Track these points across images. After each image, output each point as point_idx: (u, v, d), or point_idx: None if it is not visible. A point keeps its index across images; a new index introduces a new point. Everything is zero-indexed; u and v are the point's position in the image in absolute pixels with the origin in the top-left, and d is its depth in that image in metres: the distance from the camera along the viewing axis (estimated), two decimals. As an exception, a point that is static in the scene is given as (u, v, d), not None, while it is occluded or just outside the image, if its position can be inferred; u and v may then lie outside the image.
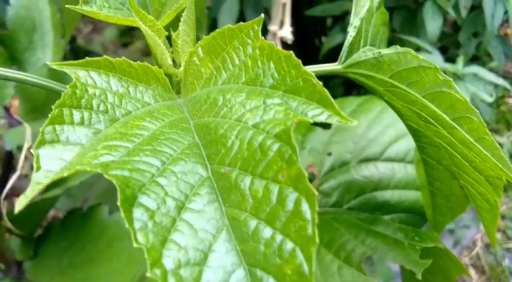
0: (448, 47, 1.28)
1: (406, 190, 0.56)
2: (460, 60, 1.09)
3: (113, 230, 0.56)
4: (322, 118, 0.21)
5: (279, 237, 0.18)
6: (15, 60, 0.68)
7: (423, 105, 0.30)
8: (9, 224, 0.52)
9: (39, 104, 0.70)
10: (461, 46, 1.21)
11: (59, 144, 0.21)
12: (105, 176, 0.19)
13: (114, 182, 0.19)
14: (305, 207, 0.18)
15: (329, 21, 1.28)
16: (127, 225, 0.18)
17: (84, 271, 0.55)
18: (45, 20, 0.68)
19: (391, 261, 0.44)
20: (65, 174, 0.19)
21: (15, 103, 0.74)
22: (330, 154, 0.58)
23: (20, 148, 0.63)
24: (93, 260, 0.55)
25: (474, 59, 1.24)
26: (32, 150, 0.19)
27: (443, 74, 0.26)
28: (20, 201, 0.18)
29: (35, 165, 0.19)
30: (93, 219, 0.57)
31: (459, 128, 0.28)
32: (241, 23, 0.25)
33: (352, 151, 0.57)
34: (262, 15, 0.24)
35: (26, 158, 0.63)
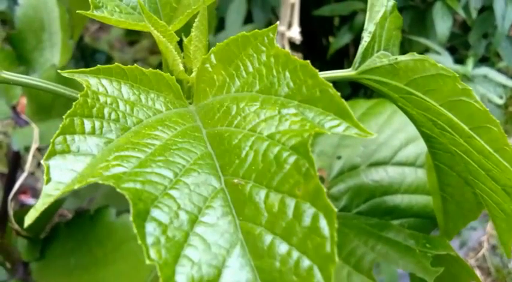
0: (457, 48, 1.27)
1: (416, 195, 0.56)
2: (470, 62, 1.08)
3: (120, 233, 0.56)
4: (339, 130, 0.20)
5: (295, 254, 0.18)
6: (23, 60, 0.68)
7: (439, 113, 0.29)
8: (16, 226, 0.51)
9: (47, 105, 0.70)
10: (471, 47, 1.20)
11: (70, 155, 0.20)
12: (118, 190, 0.19)
13: (127, 195, 0.18)
14: (323, 223, 0.17)
15: (336, 21, 1.27)
16: (139, 242, 0.17)
17: (90, 273, 0.55)
18: (53, 20, 0.68)
19: (401, 268, 0.43)
20: (76, 187, 0.19)
21: (24, 102, 0.73)
22: (339, 157, 0.58)
23: (27, 149, 0.63)
24: (100, 262, 0.54)
25: (483, 60, 1.23)
26: (39, 153, 0.19)
27: (463, 83, 0.26)
28: (30, 215, 0.18)
29: (45, 177, 0.19)
30: (100, 221, 0.57)
31: (477, 138, 0.27)
32: (256, 30, 0.24)
33: (362, 155, 0.57)
34: (278, 22, 0.23)
35: (33, 156, 0.62)
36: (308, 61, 0.22)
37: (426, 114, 0.31)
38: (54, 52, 0.68)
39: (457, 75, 0.26)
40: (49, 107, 0.69)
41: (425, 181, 0.55)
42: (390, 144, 0.57)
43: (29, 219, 0.18)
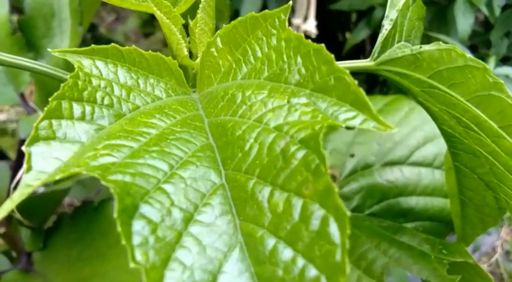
0: (477, 47, 1.23)
1: (433, 197, 0.53)
2: (492, 61, 1.05)
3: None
4: (355, 122, 0.18)
5: (300, 262, 0.16)
6: (32, 46, 0.66)
7: (465, 109, 0.27)
8: (18, 215, 0.50)
9: (55, 92, 0.68)
10: (492, 46, 1.16)
11: (55, 142, 0.18)
12: (103, 182, 0.17)
13: (112, 189, 0.16)
14: (333, 228, 0.15)
15: (353, 16, 1.24)
16: (123, 242, 0.15)
17: (92, 266, 0.54)
18: (63, 7, 0.67)
19: (415, 275, 0.41)
20: (57, 177, 0.17)
21: (33, 89, 0.72)
22: (352, 156, 0.55)
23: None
24: (102, 255, 0.53)
25: (504, 60, 1.19)
26: (23, 148, 0.17)
27: (494, 76, 0.23)
28: (5, 207, 0.16)
29: (25, 165, 0.17)
30: (104, 214, 0.56)
31: (507, 137, 0.24)
32: (267, 11, 0.22)
33: (377, 153, 0.54)
34: (291, 2, 0.21)
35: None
36: (323, 45, 0.19)
37: (450, 110, 0.28)
38: (63, 39, 0.67)
39: (488, 67, 0.23)
40: (57, 95, 0.68)
41: (442, 183, 0.52)
42: (407, 143, 0.54)
43: (3, 211, 0.16)
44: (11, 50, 0.64)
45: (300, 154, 0.17)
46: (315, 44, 0.20)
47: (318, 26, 0.89)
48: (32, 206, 0.55)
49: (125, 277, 0.51)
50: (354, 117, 0.18)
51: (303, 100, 0.19)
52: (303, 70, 0.20)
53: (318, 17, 0.93)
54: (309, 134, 0.17)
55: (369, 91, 1.15)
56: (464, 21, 1.05)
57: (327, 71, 0.19)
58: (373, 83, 1.15)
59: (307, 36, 0.88)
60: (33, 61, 0.29)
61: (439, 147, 0.52)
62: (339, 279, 0.14)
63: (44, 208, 0.58)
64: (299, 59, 0.20)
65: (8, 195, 0.58)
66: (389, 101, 0.58)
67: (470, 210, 0.44)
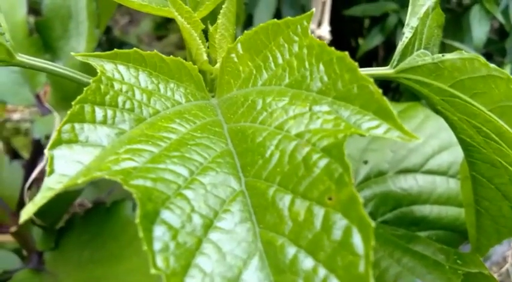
0: (492, 55, 1.22)
1: (447, 206, 0.53)
2: (507, 69, 1.03)
3: (136, 227, 0.54)
4: (379, 132, 0.17)
5: (322, 272, 0.15)
6: (49, 48, 0.67)
7: (486, 119, 0.26)
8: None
9: (70, 94, 0.69)
10: (507, 54, 1.15)
11: (77, 145, 0.18)
12: (125, 187, 0.17)
13: (135, 194, 0.16)
14: (357, 239, 0.15)
15: (366, 22, 1.24)
16: (145, 247, 0.15)
17: (103, 267, 0.54)
18: (81, 9, 0.67)
19: (429, 285, 0.40)
20: (80, 181, 0.17)
21: (47, 90, 0.73)
22: (366, 162, 0.55)
23: (48, 137, 0.62)
24: (114, 256, 0.53)
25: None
26: (45, 151, 0.17)
27: (518, 86, 0.23)
28: (28, 210, 0.16)
29: (47, 168, 0.17)
30: (116, 215, 0.56)
31: (529, 149, 0.24)
32: (289, 17, 0.22)
33: (391, 161, 0.54)
34: (314, 9, 0.21)
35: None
36: (346, 53, 0.19)
37: (470, 120, 0.28)
38: (80, 41, 0.67)
39: (511, 77, 0.23)
40: (72, 96, 0.68)
41: (457, 192, 0.51)
42: (421, 150, 0.54)
43: (25, 214, 0.16)
44: (29, 51, 0.65)
45: (323, 163, 0.17)
46: (338, 51, 0.20)
47: (331, 32, 0.89)
48: (44, 205, 0.55)
49: (136, 279, 0.51)
50: (377, 127, 0.18)
51: (325, 108, 0.19)
52: (325, 78, 0.20)
53: (332, 22, 0.92)
54: (332, 142, 0.17)
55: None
56: (479, 29, 1.04)
57: (350, 79, 0.19)
58: (385, 90, 1.14)
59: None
60: (51, 63, 0.29)
61: (454, 155, 0.51)
62: (363, 292, 0.14)
63: (57, 208, 0.58)
64: (321, 67, 0.20)
65: (21, 194, 0.58)
66: (404, 109, 0.57)
67: (485, 220, 0.43)
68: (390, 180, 0.53)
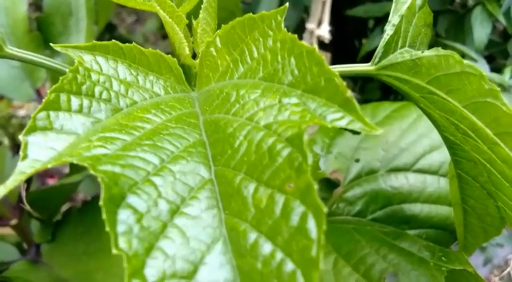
0: (495, 57, 1.22)
1: (437, 205, 0.53)
2: (508, 71, 1.03)
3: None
4: (342, 123, 0.18)
5: (279, 256, 0.16)
6: (49, 44, 0.68)
7: (462, 116, 0.27)
8: (28, 207, 0.51)
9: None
10: (510, 56, 1.14)
11: (52, 133, 0.19)
12: (92, 172, 0.17)
13: (100, 178, 0.17)
14: (311, 224, 0.16)
15: (371, 22, 1.24)
16: (107, 228, 0.16)
17: (97, 260, 0.54)
18: (80, 6, 0.68)
19: (413, 281, 0.41)
20: (50, 166, 0.17)
21: (48, 86, 0.74)
22: (357, 160, 0.55)
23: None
24: (108, 249, 0.54)
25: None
26: (20, 137, 0.18)
27: (490, 83, 0.23)
28: (-1, 192, 0.17)
29: (21, 153, 0.18)
30: (111, 208, 0.56)
31: (502, 145, 0.24)
32: (264, 12, 0.22)
33: (382, 159, 0.54)
34: (287, 4, 0.22)
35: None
36: (315, 47, 0.20)
37: (448, 117, 0.28)
38: (79, 38, 0.68)
39: (484, 74, 0.23)
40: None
41: (447, 191, 0.52)
42: (413, 150, 0.54)
43: (-3, 195, 0.17)
44: (29, 47, 0.65)
45: (285, 152, 0.18)
46: (307, 45, 0.20)
47: (335, 32, 0.89)
48: (42, 198, 0.56)
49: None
50: (341, 118, 0.18)
51: (294, 100, 0.20)
52: (295, 71, 0.20)
53: (335, 22, 0.93)
54: (295, 132, 0.18)
55: (383, 97, 1.15)
56: (481, 31, 1.04)
57: (317, 73, 0.19)
58: (387, 90, 1.14)
59: (321, 41, 0.88)
60: (47, 58, 0.30)
61: (445, 155, 0.52)
62: (313, 274, 0.15)
63: (54, 201, 0.59)
64: (292, 60, 0.21)
65: (20, 187, 0.59)
66: (397, 108, 0.58)
67: (472, 219, 0.43)
68: (381, 178, 0.54)
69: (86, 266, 0.55)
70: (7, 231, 0.65)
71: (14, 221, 0.57)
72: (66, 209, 0.63)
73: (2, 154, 0.75)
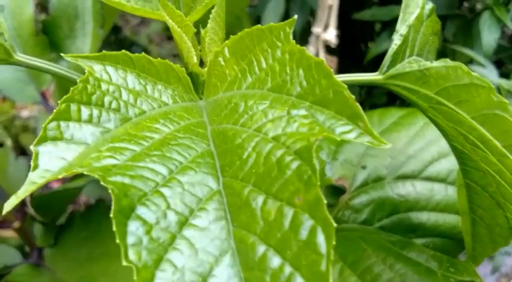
0: (504, 62, 1.21)
1: (445, 213, 0.52)
2: (517, 77, 1.02)
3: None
4: (351, 136, 0.18)
5: (287, 270, 0.16)
6: (55, 47, 0.68)
7: (471, 127, 0.27)
8: (31, 211, 0.52)
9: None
10: (519, 61, 1.14)
11: (62, 142, 0.19)
12: (102, 183, 0.17)
13: (111, 190, 0.17)
14: (321, 238, 0.16)
15: (378, 26, 1.24)
16: (117, 240, 0.16)
17: (101, 265, 0.54)
18: (86, 9, 0.68)
19: (420, 291, 0.40)
20: (60, 176, 0.18)
21: (53, 88, 0.74)
22: (364, 167, 0.55)
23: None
24: (111, 254, 0.54)
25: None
26: (31, 147, 0.18)
27: (499, 95, 0.23)
28: (11, 202, 0.17)
29: (32, 163, 0.18)
30: (116, 213, 0.57)
31: (511, 157, 0.24)
32: (272, 23, 0.23)
33: (389, 166, 0.54)
34: (296, 16, 0.22)
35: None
36: (323, 59, 0.20)
37: (457, 127, 0.28)
38: (85, 41, 0.68)
39: (493, 86, 0.23)
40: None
41: (455, 200, 0.51)
42: (420, 157, 0.54)
43: (8, 206, 0.17)
44: (34, 50, 0.66)
45: (294, 165, 0.18)
46: (316, 57, 0.20)
47: (341, 36, 0.89)
48: (45, 202, 0.56)
49: (132, 277, 0.52)
50: (349, 131, 0.18)
51: (302, 112, 0.20)
52: (304, 83, 0.20)
53: (342, 27, 0.93)
54: (304, 145, 0.18)
55: (390, 103, 1.14)
56: (489, 36, 1.03)
57: (326, 85, 0.19)
58: (394, 95, 1.14)
59: (327, 46, 0.88)
60: (49, 63, 0.30)
61: (453, 163, 0.51)
62: (322, 289, 0.15)
63: (57, 205, 0.59)
64: (301, 72, 0.21)
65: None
66: (404, 114, 0.57)
67: (480, 228, 0.43)
68: (388, 186, 0.53)
69: (89, 271, 0.56)
70: (9, 234, 0.66)
71: (16, 224, 0.58)
72: (68, 212, 0.63)
73: (5, 155, 0.76)
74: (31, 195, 0.52)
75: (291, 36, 0.22)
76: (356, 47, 1.29)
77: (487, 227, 0.42)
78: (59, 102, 0.20)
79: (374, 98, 1.20)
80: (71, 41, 0.64)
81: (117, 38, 1.28)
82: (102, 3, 0.61)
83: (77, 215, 0.57)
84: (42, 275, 0.53)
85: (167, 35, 1.78)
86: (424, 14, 0.34)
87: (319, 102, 0.19)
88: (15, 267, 0.54)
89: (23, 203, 0.57)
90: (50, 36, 0.64)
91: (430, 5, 0.34)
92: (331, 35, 0.84)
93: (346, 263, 0.42)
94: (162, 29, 1.72)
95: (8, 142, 0.91)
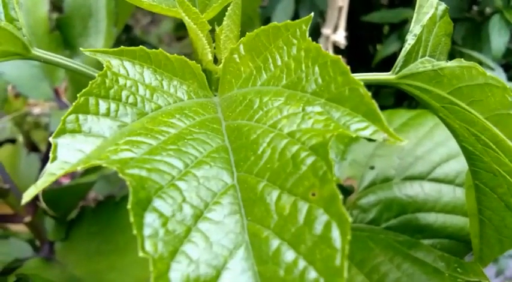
0: (511, 65, 1.21)
1: (453, 215, 0.52)
2: (526, 81, 1.02)
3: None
4: (366, 133, 0.18)
5: (302, 264, 0.16)
6: (68, 44, 0.69)
7: (484, 127, 0.27)
8: (43, 205, 0.52)
9: (86, 89, 0.71)
10: (528, 65, 1.13)
11: (80, 135, 0.19)
12: (120, 175, 0.18)
13: (129, 182, 0.17)
14: (335, 233, 0.16)
15: (386, 28, 1.24)
16: (134, 232, 0.16)
17: (110, 259, 0.55)
18: (100, 8, 0.69)
19: (428, 291, 0.40)
20: (79, 168, 0.18)
21: (66, 86, 0.75)
22: (372, 168, 0.55)
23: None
24: (120, 249, 0.54)
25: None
26: (50, 139, 0.18)
27: (513, 95, 0.23)
28: (29, 192, 0.17)
29: (51, 155, 0.18)
30: (125, 209, 0.57)
31: (524, 158, 0.24)
32: (288, 21, 0.23)
33: (397, 167, 0.54)
34: (312, 14, 0.22)
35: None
36: (339, 56, 0.20)
37: (469, 127, 0.28)
38: (98, 39, 0.69)
39: (508, 86, 0.23)
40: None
41: (463, 201, 0.51)
42: (429, 158, 0.54)
43: (27, 196, 0.17)
44: (49, 47, 0.67)
45: (309, 160, 0.18)
46: (332, 55, 0.20)
47: (350, 38, 0.89)
48: (57, 196, 0.57)
49: (141, 272, 0.53)
50: (365, 128, 0.18)
51: (317, 109, 0.20)
52: (319, 80, 0.21)
53: (351, 28, 0.93)
54: (320, 141, 0.18)
55: (397, 104, 1.14)
56: (498, 39, 1.03)
57: (342, 82, 0.20)
58: (402, 97, 1.13)
59: (336, 47, 0.88)
60: (66, 58, 0.31)
61: (462, 164, 0.51)
62: (337, 283, 0.15)
63: (69, 199, 0.60)
64: (316, 69, 0.21)
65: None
66: (414, 115, 0.57)
67: (488, 230, 0.43)
68: (396, 186, 0.53)
69: (99, 265, 0.56)
70: (20, 228, 0.66)
71: (27, 218, 0.58)
72: (79, 207, 0.64)
73: (17, 151, 0.77)
74: (43, 189, 0.53)
75: (307, 34, 0.22)
76: (364, 49, 1.29)
77: (495, 228, 0.42)
78: (78, 95, 0.21)
79: (381, 99, 1.19)
80: (84, 38, 0.65)
81: (128, 37, 1.29)
82: (116, 2, 0.61)
83: (87, 210, 0.57)
84: (53, 268, 0.54)
85: (176, 35, 1.79)
86: (438, 15, 0.34)
87: (334, 99, 0.20)
88: (27, 261, 0.55)
89: (35, 198, 0.58)
90: (63, 34, 0.65)
91: (443, 6, 0.34)
92: (340, 37, 0.84)
93: (353, 262, 0.42)
94: (171, 29, 1.72)
95: (20, 138, 0.92)
